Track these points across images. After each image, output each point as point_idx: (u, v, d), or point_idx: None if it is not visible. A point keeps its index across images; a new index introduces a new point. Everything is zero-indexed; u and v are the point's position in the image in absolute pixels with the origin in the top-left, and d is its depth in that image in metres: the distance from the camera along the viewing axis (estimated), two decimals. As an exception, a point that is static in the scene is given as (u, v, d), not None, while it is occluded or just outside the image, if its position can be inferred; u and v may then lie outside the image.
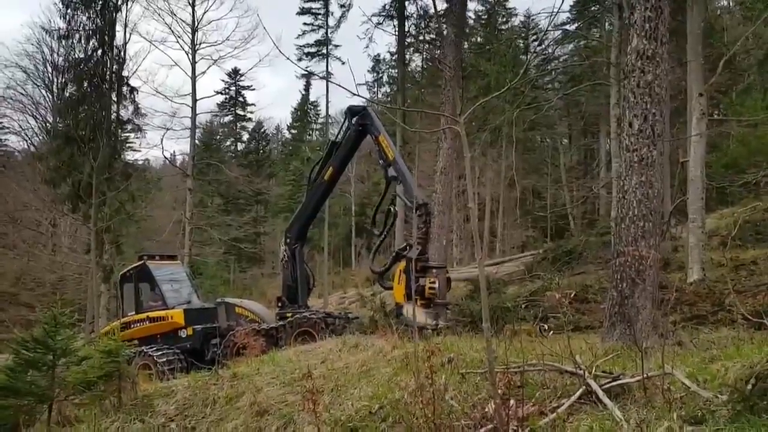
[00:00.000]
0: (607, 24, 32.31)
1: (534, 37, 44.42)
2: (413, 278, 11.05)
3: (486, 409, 5.13)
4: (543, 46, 45.06)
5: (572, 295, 15.20)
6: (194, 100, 26.31)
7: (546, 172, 42.20)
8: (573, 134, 45.53)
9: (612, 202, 15.19)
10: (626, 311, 8.08)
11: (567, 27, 39.74)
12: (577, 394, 5.12)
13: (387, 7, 27.42)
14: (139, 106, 26.68)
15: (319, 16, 37.75)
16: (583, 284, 15.68)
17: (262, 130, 64.98)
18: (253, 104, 62.32)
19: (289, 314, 13.88)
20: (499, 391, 5.04)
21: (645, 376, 4.84)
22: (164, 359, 12.97)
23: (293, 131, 62.86)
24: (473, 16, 40.15)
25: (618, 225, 8.53)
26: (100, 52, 26.03)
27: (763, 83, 23.52)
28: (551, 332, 11.51)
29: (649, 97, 8.23)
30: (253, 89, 65.14)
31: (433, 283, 11.42)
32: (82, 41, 26.05)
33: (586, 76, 31.57)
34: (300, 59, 41.45)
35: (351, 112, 14.30)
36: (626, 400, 4.92)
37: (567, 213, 36.49)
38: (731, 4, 31.73)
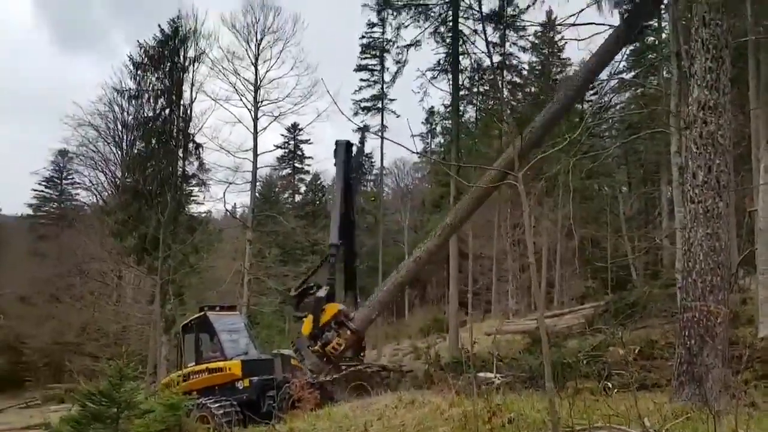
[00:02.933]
0: (665, 72, 31.89)
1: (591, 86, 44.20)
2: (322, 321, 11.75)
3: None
4: (599, 95, 44.92)
5: (637, 351, 14.61)
6: (255, 155, 27.26)
7: (605, 221, 41.23)
8: (632, 182, 44.55)
9: (677, 254, 14.71)
10: (695, 370, 7.73)
11: (624, 75, 39.50)
12: (646, 460, 4.88)
13: (441, 62, 27.99)
14: (204, 161, 27.83)
15: (375, 72, 38.86)
16: (648, 339, 15.08)
17: (319, 182, 66.35)
18: (310, 157, 63.91)
19: (344, 367, 13.82)
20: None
21: (718, 443, 4.58)
22: (221, 411, 12.99)
23: (348, 183, 63.88)
24: (527, 67, 40.45)
25: (684, 279, 8.24)
26: (168, 110, 27.46)
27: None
28: (616, 390, 11.06)
29: (712, 147, 8.05)
30: (311, 143, 66.86)
31: (340, 345, 11.64)
32: (151, 101, 27.59)
33: (644, 123, 31.07)
34: (356, 113, 42.54)
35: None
36: (699, 467, 4.65)
37: (628, 263, 35.39)
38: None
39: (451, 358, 19.42)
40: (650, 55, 36.07)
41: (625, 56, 38.00)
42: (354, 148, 14.96)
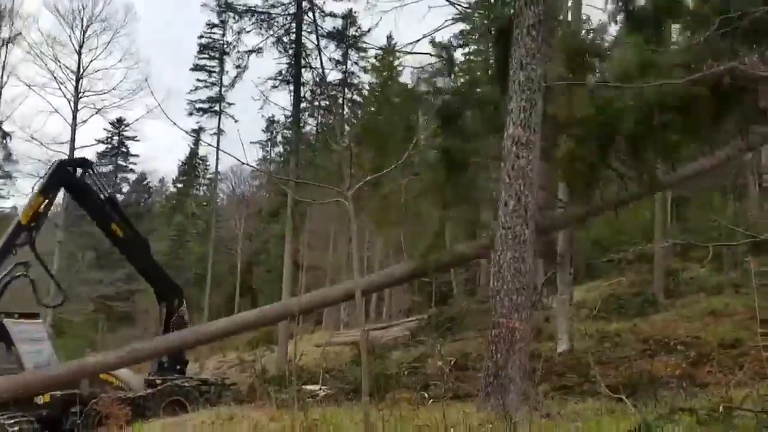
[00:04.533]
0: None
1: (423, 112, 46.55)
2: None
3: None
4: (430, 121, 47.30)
5: (453, 363, 15.60)
6: (72, 149, 25.13)
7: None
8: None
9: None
10: (500, 382, 8.42)
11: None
12: (450, 468, 5.21)
13: (283, 72, 27.89)
14: (11, 151, 25.03)
15: (214, 74, 37.68)
16: (464, 351, 16.13)
17: (145, 182, 62.60)
18: (137, 155, 60.06)
19: (159, 381, 13.14)
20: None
21: (513, 450, 5.03)
22: (16, 428, 11.74)
23: (179, 185, 60.95)
24: (368, 87, 41.66)
25: (494, 297, 8.95)
26: (-29, 92, 24.33)
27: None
28: (431, 401, 11.68)
29: (522, 180, 8.88)
30: (138, 140, 62.89)
31: None
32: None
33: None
34: (191, 114, 40.78)
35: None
36: (495, 474, 5.06)
37: (451, 279, 37.60)
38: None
39: (278, 371, 19.25)
40: (478, 90, 38.91)
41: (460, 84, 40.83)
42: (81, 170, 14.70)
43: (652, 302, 19.35)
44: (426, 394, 12.12)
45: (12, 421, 11.87)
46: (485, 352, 9.00)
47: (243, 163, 16.21)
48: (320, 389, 12.79)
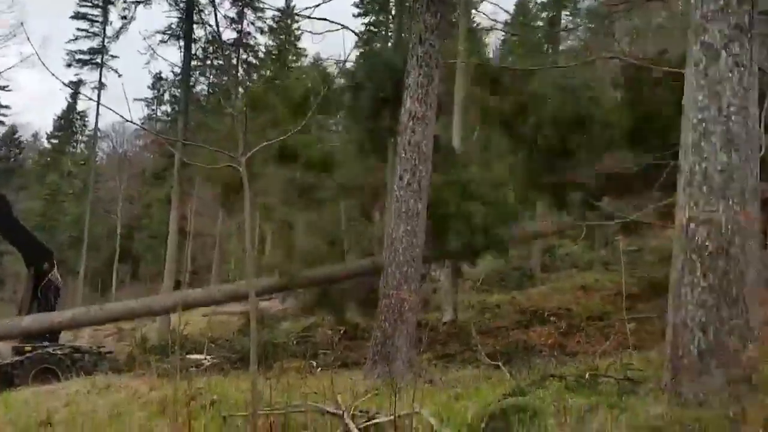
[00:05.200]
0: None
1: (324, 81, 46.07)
2: None
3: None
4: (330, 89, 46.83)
5: (342, 332, 15.76)
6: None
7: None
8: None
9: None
10: (387, 350, 8.64)
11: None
12: (336, 433, 5.30)
13: (173, 26, 26.42)
14: None
15: (96, 24, 35.01)
16: (353, 322, 16.31)
17: (16, 135, 57.46)
18: (7, 106, 54.90)
19: (28, 348, 12.28)
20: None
21: (396, 415, 5.18)
22: None
23: (54, 141, 56.52)
24: (264, 50, 40.48)
25: (386, 269, 9.11)
26: None
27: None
28: (320, 369, 11.76)
29: (417, 154, 9.03)
30: (10, 90, 57.48)
31: None
32: None
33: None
34: (70, 65, 37.73)
35: None
36: (380, 439, 5.21)
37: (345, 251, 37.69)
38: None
39: (160, 340, 18.55)
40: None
41: (357, 57, 40.70)
42: None
43: (530, 276, 20.53)
44: (314, 363, 12.18)
45: None
46: (374, 321, 9.17)
47: (127, 121, 15.10)
48: (205, 358, 12.49)
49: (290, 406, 5.89)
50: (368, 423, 5.38)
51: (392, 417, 5.21)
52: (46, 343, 12.88)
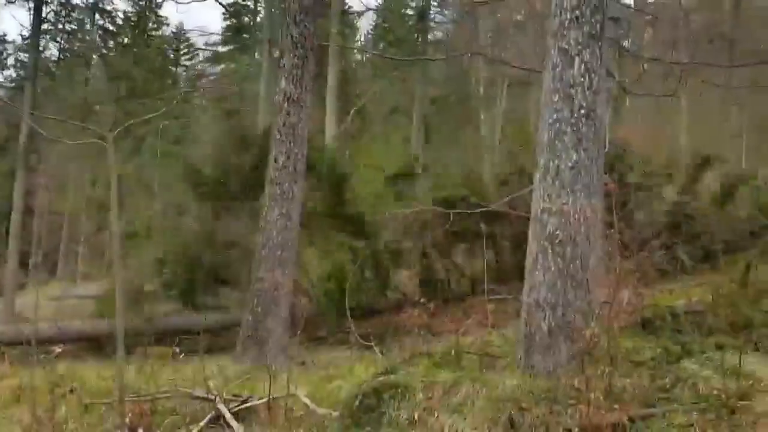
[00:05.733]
0: (256, 54, 33.94)
1: (185, 51, 44.12)
2: None
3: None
4: (194, 61, 45.04)
5: (205, 318, 15.32)
6: None
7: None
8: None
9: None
10: (259, 334, 8.62)
11: (219, 48, 40.69)
12: (207, 419, 5.26)
13: (22, -16, 23.98)
14: None
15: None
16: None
17: None
18: None
19: None
20: (127, 421, 4.91)
21: (271, 397, 5.25)
22: None
23: None
24: (122, 16, 37.94)
25: (259, 252, 9.03)
26: None
27: (386, 133, 27.58)
28: (183, 355, 11.42)
29: (293, 137, 9.03)
30: None
31: None
32: None
33: (236, 99, 32.64)
34: None
35: None
36: (253, 421, 5.25)
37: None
38: (363, 59, 36.78)
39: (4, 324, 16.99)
40: (244, 35, 37.94)
41: (222, 30, 39.47)
42: None
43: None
44: (178, 349, 11.81)
45: None
46: (246, 305, 9.08)
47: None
48: (60, 345, 11.65)
49: (158, 392, 5.76)
50: (241, 406, 5.40)
51: (266, 399, 5.28)
52: None
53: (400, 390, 4.74)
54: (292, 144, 9.01)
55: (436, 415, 4.47)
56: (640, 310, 5.52)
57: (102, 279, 29.91)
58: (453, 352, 5.58)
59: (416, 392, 4.71)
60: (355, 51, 35.40)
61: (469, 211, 10.90)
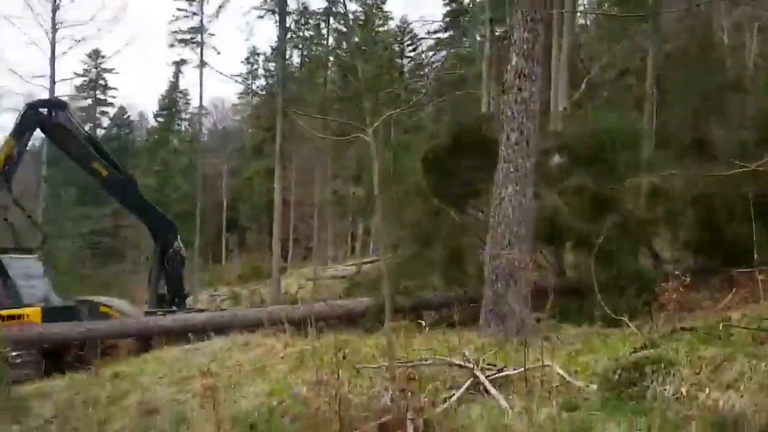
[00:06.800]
0: (477, 36, 34.09)
1: (409, 42, 45.99)
2: None
3: (383, 402, 5.42)
4: (417, 51, 46.73)
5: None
6: (52, 82, 24.54)
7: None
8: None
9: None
10: (501, 309, 8.77)
11: (440, 35, 41.71)
12: (466, 384, 5.56)
13: (269, 0, 27.17)
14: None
15: (194, 3, 36.50)
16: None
17: (126, 116, 61.43)
18: (115, 88, 58.86)
19: (160, 313, 13.43)
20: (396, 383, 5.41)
21: (526, 368, 5.37)
22: (19, 360, 11.94)
23: (160, 120, 59.99)
24: (351, 17, 40.75)
25: (494, 229, 9.16)
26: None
27: (616, 99, 25.90)
28: (427, 328, 12.08)
29: (525, 112, 8.93)
30: (117, 72, 61.38)
31: None
32: None
33: (455, 84, 33.18)
34: (172, 45, 39.77)
35: None
36: (509, 390, 5.42)
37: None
38: (587, 22, 34.75)
39: (272, 302, 19.68)
40: (465, 18, 38.26)
41: (443, 16, 40.29)
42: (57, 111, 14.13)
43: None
44: (423, 322, 12.51)
45: (15, 353, 12.04)
46: (486, 282, 9.28)
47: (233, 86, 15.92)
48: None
49: (420, 359, 6.22)
50: (497, 375, 5.60)
51: (521, 370, 5.41)
52: (174, 308, 14.06)
53: (663, 365, 4.55)
54: (524, 119, 8.92)
55: (707, 390, 4.21)
56: None
57: (347, 262, 32.88)
58: (721, 325, 5.16)
59: (682, 367, 4.48)
60: (579, 15, 33.56)
61: (725, 174, 9.79)
